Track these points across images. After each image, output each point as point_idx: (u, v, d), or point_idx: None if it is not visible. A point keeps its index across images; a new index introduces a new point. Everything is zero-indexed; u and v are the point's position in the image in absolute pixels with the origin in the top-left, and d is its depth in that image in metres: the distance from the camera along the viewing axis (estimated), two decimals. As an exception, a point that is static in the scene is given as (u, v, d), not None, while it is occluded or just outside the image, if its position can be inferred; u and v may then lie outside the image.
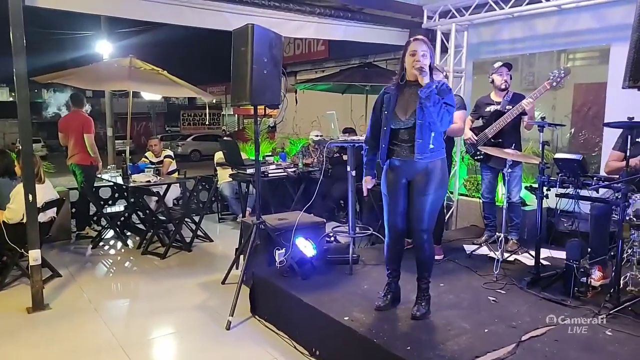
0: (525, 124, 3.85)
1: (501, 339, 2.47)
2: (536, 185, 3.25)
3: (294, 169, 5.90)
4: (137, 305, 3.83)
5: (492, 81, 3.98)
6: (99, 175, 5.61)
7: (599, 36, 4.39)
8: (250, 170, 5.42)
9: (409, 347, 2.36)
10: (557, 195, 3.17)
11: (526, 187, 3.55)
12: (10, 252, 3.90)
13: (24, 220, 3.52)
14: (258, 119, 3.67)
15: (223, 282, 3.99)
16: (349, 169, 3.68)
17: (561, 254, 3.33)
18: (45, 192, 3.97)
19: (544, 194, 3.19)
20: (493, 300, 3.00)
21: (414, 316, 2.68)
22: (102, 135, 14.63)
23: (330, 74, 7.74)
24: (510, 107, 3.79)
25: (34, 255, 3.46)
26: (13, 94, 4.22)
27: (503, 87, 3.93)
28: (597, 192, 2.98)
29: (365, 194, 2.99)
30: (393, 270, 2.88)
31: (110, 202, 6.14)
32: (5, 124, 24.54)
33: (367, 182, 2.89)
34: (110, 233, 5.50)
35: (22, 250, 3.75)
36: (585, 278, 2.97)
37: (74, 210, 5.60)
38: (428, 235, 2.70)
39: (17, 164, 4.04)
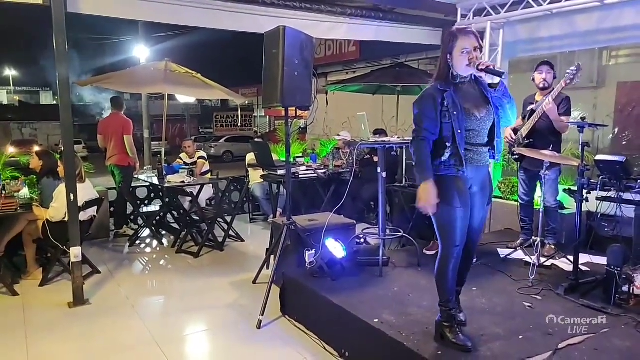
0: (557, 125, 3.73)
1: (536, 346, 2.39)
2: (575, 188, 3.13)
3: (324, 171, 5.91)
4: (171, 302, 3.94)
5: (533, 79, 3.88)
6: (136, 176, 5.80)
7: (644, 32, 4.18)
8: (281, 172, 5.47)
9: (440, 352, 2.32)
10: (597, 199, 3.04)
11: (565, 190, 3.43)
12: (53, 249, 4.09)
13: (66, 219, 3.69)
14: (289, 120, 3.70)
15: (254, 282, 4.04)
16: (379, 170, 3.65)
17: (602, 260, 3.19)
18: (86, 191, 4.14)
19: (584, 197, 3.07)
20: (528, 306, 2.91)
21: (462, 322, 2.56)
22: (139, 137, 15.09)
23: (361, 75, 7.70)
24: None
25: (75, 252, 3.61)
26: (57, 97, 4.46)
27: (542, 86, 3.81)
28: (642, 195, 2.84)
29: (433, 210, 2.29)
30: (453, 295, 2.49)
31: (146, 202, 6.34)
32: (49, 126, 25.72)
33: (432, 192, 2.25)
34: (146, 232, 5.68)
35: (64, 248, 3.92)
36: (627, 285, 2.83)
37: (112, 209, 5.81)
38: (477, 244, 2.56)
39: (60, 165, 4.22)
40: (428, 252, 3.96)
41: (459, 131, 2.25)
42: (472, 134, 2.31)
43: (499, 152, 2.42)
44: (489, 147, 2.38)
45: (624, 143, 4.69)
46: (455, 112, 2.26)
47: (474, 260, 3.67)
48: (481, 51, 2.33)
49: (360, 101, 8.17)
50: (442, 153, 2.31)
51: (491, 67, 2.25)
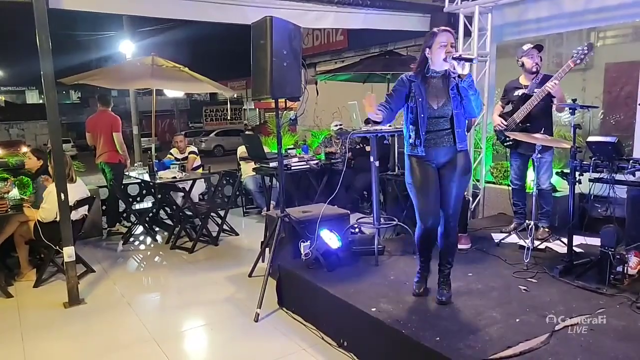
0: (555, 106, 3.72)
1: (533, 328, 2.41)
2: (568, 171, 3.15)
3: (316, 162, 5.89)
4: (167, 298, 3.92)
5: (522, 64, 3.85)
6: (127, 173, 5.74)
7: (631, 11, 4.17)
8: (273, 164, 5.44)
9: (438, 338, 2.34)
10: (590, 180, 3.06)
11: (557, 173, 3.44)
12: (46, 250, 4.04)
13: (58, 219, 3.64)
14: (279, 112, 3.66)
15: (250, 275, 4.03)
16: (372, 159, 3.64)
17: (595, 241, 3.22)
18: (77, 190, 4.09)
19: (577, 179, 3.08)
20: (524, 290, 2.93)
21: (441, 301, 2.71)
22: (129, 133, 14.96)
23: (350, 64, 7.65)
24: (538, 89, 3.67)
25: (68, 252, 3.58)
26: (43, 96, 4.39)
27: (534, 70, 3.79)
28: (634, 175, 2.86)
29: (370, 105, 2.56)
30: (427, 256, 2.89)
31: (138, 198, 6.29)
32: (37, 125, 25.38)
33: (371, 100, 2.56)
34: (139, 229, 5.64)
35: (57, 248, 3.88)
36: (621, 265, 2.86)
37: (104, 207, 5.76)
38: (455, 221, 2.76)
39: (50, 165, 4.16)
40: None
41: (422, 115, 2.62)
42: (432, 121, 2.65)
43: (461, 140, 2.66)
44: (449, 131, 2.65)
45: (612, 123, 4.71)
46: (420, 99, 2.63)
47: (469, 246, 3.75)
48: (455, 49, 2.62)
49: (350, 90, 8.12)
50: (410, 135, 2.71)
51: (464, 56, 2.51)
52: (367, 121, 5.50)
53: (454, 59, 2.50)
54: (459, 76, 2.53)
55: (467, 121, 2.80)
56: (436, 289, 2.82)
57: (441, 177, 2.70)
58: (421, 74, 2.67)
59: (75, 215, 3.94)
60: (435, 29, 2.65)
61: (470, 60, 2.51)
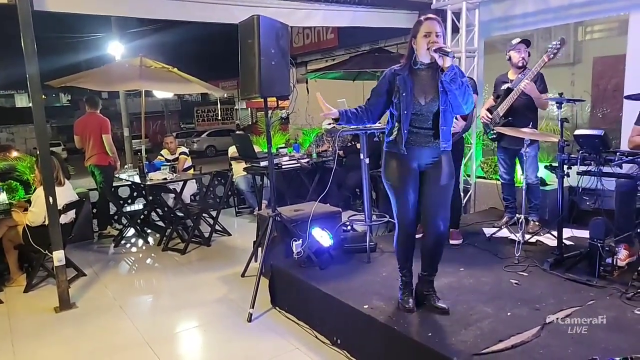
0: (538, 102, 3.75)
1: (525, 322, 2.42)
2: (556, 164, 3.17)
3: (307, 160, 5.88)
4: (160, 300, 3.89)
5: (509, 58, 3.88)
6: (117, 175, 5.70)
7: (617, 4, 4.21)
8: (263, 163, 5.43)
9: (430, 334, 2.34)
10: (578, 173, 3.08)
11: (546, 166, 3.46)
12: (35, 254, 4.00)
13: (46, 223, 3.60)
14: (269, 111, 3.65)
15: (243, 275, 4.02)
16: (362, 156, 3.64)
17: (585, 234, 3.25)
18: (66, 194, 4.05)
19: (565, 173, 3.10)
20: (515, 283, 2.95)
21: (444, 310, 2.54)
22: (119, 135, 14.85)
23: (340, 62, 7.65)
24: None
25: (58, 256, 3.54)
26: (31, 99, 4.31)
27: (520, 64, 3.82)
28: (621, 167, 2.88)
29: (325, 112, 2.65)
30: (408, 267, 2.68)
31: (129, 201, 6.24)
32: (26, 129, 25.10)
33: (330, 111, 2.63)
34: (130, 231, 5.60)
35: (47, 252, 3.84)
36: (610, 257, 2.89)
37: (95, 210, 5.71)
38: (441, 227, 2.55)
39: (36, 168, 4.12)
40: (417, 236, 3.98)
41: (405, 112, 2.45)
42: (416, 118, 2.47)
43: (445, 140, 2.48)
44: (433, 132, 2.47)
45: (600, 116, 4.75)
46: (404, 94, 2.46)
47: (460, 241, 3.76)
48: (443, 38, 2.46)
49: (341, 89, 8.12)
50: (392, 132, 2.55)
51: (443, 48, 2.34)
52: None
53: (434, 51, 2.34)
54: (441, 69, 2.36)
55: (465, 118, 2.71)
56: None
57: (424, 180, 2.54)
58: (408, 67, 2.51)
59: (64, 218, 3.91)
60: (421, 17, 2.49)
61: (446, 53, 2.32)
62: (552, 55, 3.46)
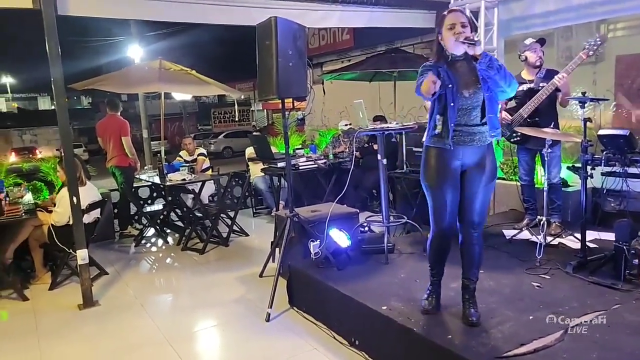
0: (560, 100, 3.68)
1: (547, 325, 2.38)
2: (579, 165, 3.10)
3: (324, 161, 5.89)
4: (179, 299, 3.95)
5: (525, 59, 3.81)
6: (137, 176, 5.80)
7: (641, 2, 4.11)
8: (281, 164, 5.45)
9: (450, 336, 2.32)
10: (602, 174, 3.01)
11: (569, 167, 3.40)
12: (60, 253, 4.09)
13: (71, 222, 3.69)
14: (286, 112, 3.67)
15: (260, 275, 4.04)
16: (379, 157, 3.63)
17: (609, 236, 3.18)
18: (89, 194, 4.13)
19: (589, 174, 3.04)
20: (537, 286, 2.90)
21: (472, 322, 2.40)
22: (138, 137, 15.09)
23: (356, 63, 7.62)
24: (545, 84, 3.63)
25: (82, 255, 3.62)
26: (55, 102, 4.45)
27: (537, 64, 3.75)
28: (647, 168, 2.81)
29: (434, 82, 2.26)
30: (440, 270, 2.60)
31: (149, 201, 6.35)
32: (49, 131, 25.70)
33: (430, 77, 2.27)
34: (151, 231, 5.69)
35: (71, 251, 3.93)
36: (637, 260, 2.81)
37: (116, 210, 5.82)
38: (480, 230, 2.47)
39: (60, 169, 4.21)
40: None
41: (452, 104, 2.33)
42: (461, 113, 2.35)
43: (495, 127, 2.38)
44: (481, 126, 2.37)
45: (624, 116, 4.63)
46: (450, 85, 2.33)
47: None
48: (472, 28, 2.34)
49: (357, 89, 8.11)
50: (435, 126, 2.40)
51: (470, 37, 2.27)
52: (376, 118, 5.49)
53: (459, 42, 2.26)
54: (474, 59, 2.27)
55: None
56: (450, 287, 2.73)
57: (466, 179, 2.41)
58: (444, 60, 2.39)
59: (87, 218, 3.99)
60: (445, 12, 2.41)
61: (473, 43, 2.24)
62: (590, 53, 3.34)
